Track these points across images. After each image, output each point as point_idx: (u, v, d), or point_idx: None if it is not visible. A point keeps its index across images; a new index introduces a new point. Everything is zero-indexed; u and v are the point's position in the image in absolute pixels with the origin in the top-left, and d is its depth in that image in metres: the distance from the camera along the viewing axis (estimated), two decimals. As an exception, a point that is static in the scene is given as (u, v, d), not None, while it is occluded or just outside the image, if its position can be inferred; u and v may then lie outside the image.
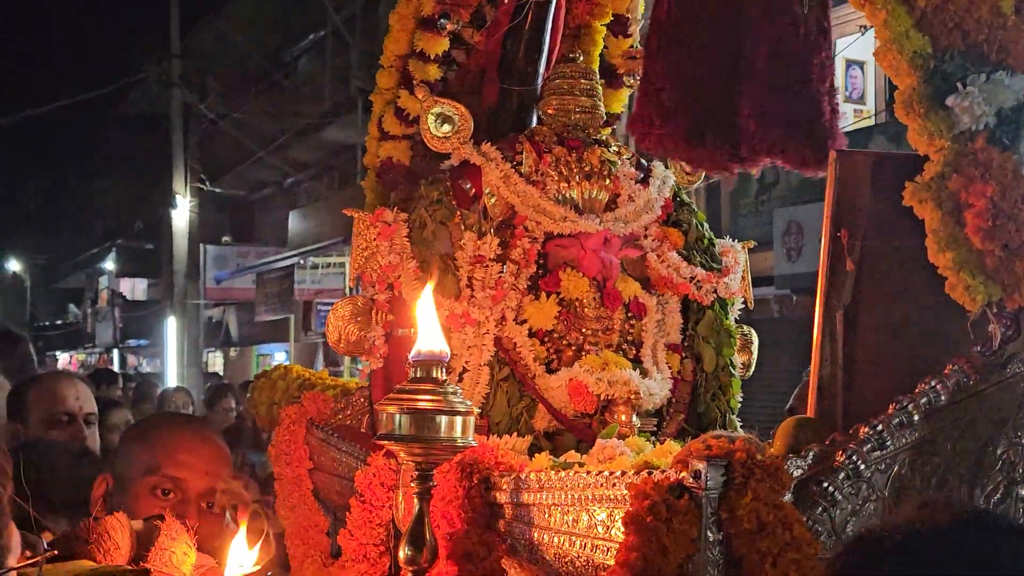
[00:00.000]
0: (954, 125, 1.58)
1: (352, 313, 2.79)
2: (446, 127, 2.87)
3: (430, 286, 2.07)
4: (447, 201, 2.82)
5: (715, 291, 2.92)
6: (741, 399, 2.94)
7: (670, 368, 2.82)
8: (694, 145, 2.15)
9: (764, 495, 1.57)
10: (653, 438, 2.65)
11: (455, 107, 2.89)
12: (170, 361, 25.72)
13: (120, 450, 3.08)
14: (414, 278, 2.72)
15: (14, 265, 42.15)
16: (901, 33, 1.61)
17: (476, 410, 1.99)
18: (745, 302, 3.04)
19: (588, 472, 1.82)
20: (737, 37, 2.11)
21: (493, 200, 2.81)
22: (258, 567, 2.22)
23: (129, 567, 2.34)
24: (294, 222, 22.82)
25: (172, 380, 23.20)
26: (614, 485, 1.74)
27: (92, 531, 2.49)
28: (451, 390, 1.93)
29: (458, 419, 1.91)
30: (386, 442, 1.93)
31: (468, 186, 2.83)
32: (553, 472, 1.95)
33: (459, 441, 1.91)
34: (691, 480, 1.58)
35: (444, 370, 1.95)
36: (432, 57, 2.94)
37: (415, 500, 1.96)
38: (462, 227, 2.78)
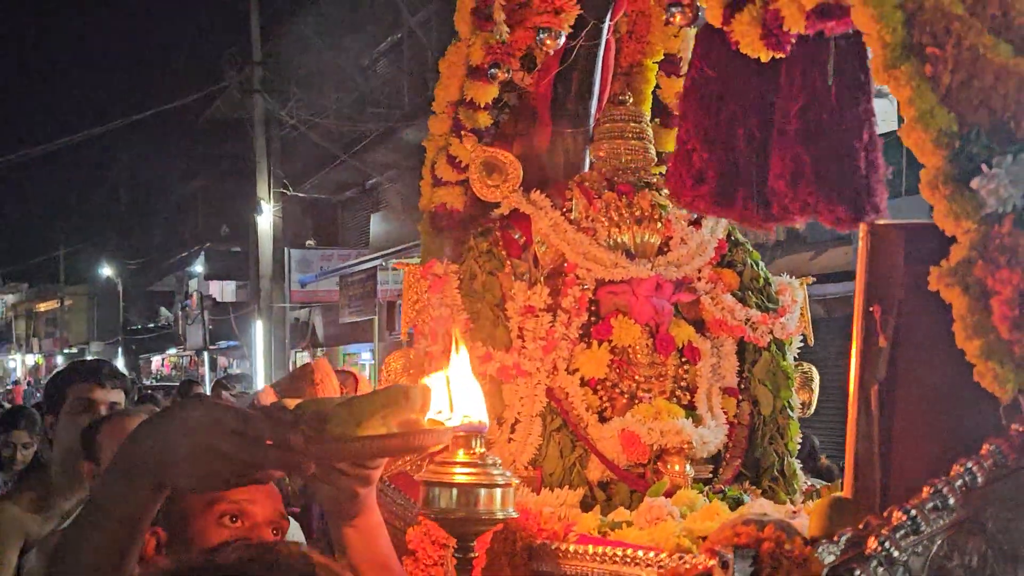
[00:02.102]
0: (980, 207, 1.54)
1: (404, 367, 2.82)
2: (495, 175, 2.88)
3: (461, 356, 1.97)
4: (496, 252, 2.83)
5: (771, 332, 2.89)
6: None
7: (726, 413, 2.80)
8: (725, 205, 2.13)
9: (794, 583, 1.56)
10: (707, 487, 2.64)
11: (504, 155, 2.90)
12: (259, 362, 26.16)
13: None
14: (464, 331, 2.74)
15: (107, 269, 43.23)
16: (926, 111, 1.57)
17: (516, 478, 1.99)
18: (804, 338, 3.01)
19: (623, 551, 1.82)
20: (769, 95, 2.07)
21: (543, 248, 2.82)
22: (470, 420, 1.86)
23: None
24: (376, 224, 23.05)
25: (261, 381, 23.60)
26: (648, 567, 1.74)
27: (316, 371, 2.58)
28: (490, 462, 1.92)
29: (497, 491, 1.90)
30: (426, 515, 1.95)
31: (518, 235, 2.85)
32: (591, 546, 1.96)
33: (499, 514, 1.91)
34: (720, 570, 1.58)
35: (483, 442, 1.95)
36: (482, 105, 2.96)
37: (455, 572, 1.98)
38: (512, 277, 2.79)
